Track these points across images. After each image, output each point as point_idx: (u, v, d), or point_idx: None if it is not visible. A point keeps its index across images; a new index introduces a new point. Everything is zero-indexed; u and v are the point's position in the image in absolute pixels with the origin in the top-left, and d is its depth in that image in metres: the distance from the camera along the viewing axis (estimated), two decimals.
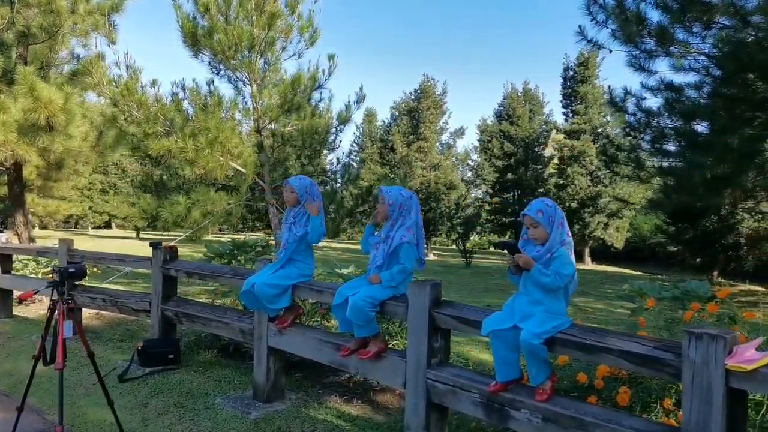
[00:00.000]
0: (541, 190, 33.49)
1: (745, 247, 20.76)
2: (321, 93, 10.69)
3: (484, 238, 42.29)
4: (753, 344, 2.50)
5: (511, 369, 3.18)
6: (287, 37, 10.31)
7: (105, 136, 11.41)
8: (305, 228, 4.32)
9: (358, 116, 50.39)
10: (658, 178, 12.09)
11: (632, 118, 11.58)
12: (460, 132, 40.08)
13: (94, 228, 46.02)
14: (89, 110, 11.87)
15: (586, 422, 2.84)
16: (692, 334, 2.51)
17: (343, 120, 11.10)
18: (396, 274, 3.76)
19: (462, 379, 3.43)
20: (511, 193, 36.51)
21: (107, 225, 47.83)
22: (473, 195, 42.09)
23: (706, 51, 9.74)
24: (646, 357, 2.71)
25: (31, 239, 11.45)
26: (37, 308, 8.69)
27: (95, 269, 11.28)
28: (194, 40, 9.64)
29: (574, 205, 30.39)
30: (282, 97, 9.98)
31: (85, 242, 22.66)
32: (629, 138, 13.00)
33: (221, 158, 9.47)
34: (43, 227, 38.87)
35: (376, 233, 3.99)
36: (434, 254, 31.73)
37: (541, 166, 35.76)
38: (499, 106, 38.23)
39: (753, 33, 8.88)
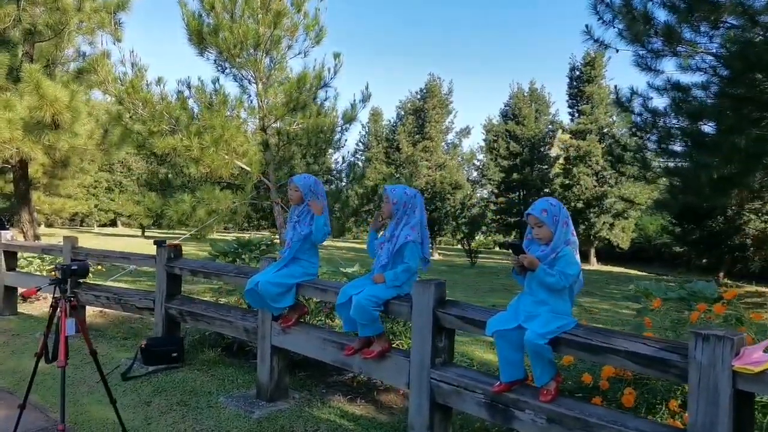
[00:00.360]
0: (546, 190, 33.41)
1: (752, 248, 20.62)
2: (326, 92, 10.65)
3: (490, 237, 42.16)
4: (760, 346, 2.48)
5: (515, 369, 3.17)
6: (293, 36, 10.29)
7: (110, 134, 11.40)
8: (309, 227, 4.31)
9: (363, 115, 50.52)
10: (665, 179, 12.03)
11: (638, 118, 11.53)
12: (465, 131, 40.07)
13: (99, 226, 46.18)
14: (95, 108, 11.89)
15: (590, 423, 2.82)
16: (699, 335, 2.49)
17: (349, 119, 11.06)
18: (400, 274, 3.75)
19: (466, 379, 3.42)
20: (517, 193, 36.42)
21: (113, 223, 47.97)
22: (479, 195, 42.05)
23: (714, 51, 9.70)
24: (651, 358, 2.68)
25: (37, 237, 11.47)
26: (42, 305, 8.71)
27: (100, 267, 11.30)
28: (200, 38, 9.63)
29: (580, 205, 30.31)
30: (287, 95, 9.96)
31: (90, 240, 22.79)
32: (635, 138, 12.96)
33: (226, 156, 9.48)
34: (49, 225, 39.05)
35: (379, 235, 3.98)
36: (439, 254, 31.71)
37: (546, 166, 35.66)
38: (505, 106, 38.14)
39: (761, 33, 8.85)
